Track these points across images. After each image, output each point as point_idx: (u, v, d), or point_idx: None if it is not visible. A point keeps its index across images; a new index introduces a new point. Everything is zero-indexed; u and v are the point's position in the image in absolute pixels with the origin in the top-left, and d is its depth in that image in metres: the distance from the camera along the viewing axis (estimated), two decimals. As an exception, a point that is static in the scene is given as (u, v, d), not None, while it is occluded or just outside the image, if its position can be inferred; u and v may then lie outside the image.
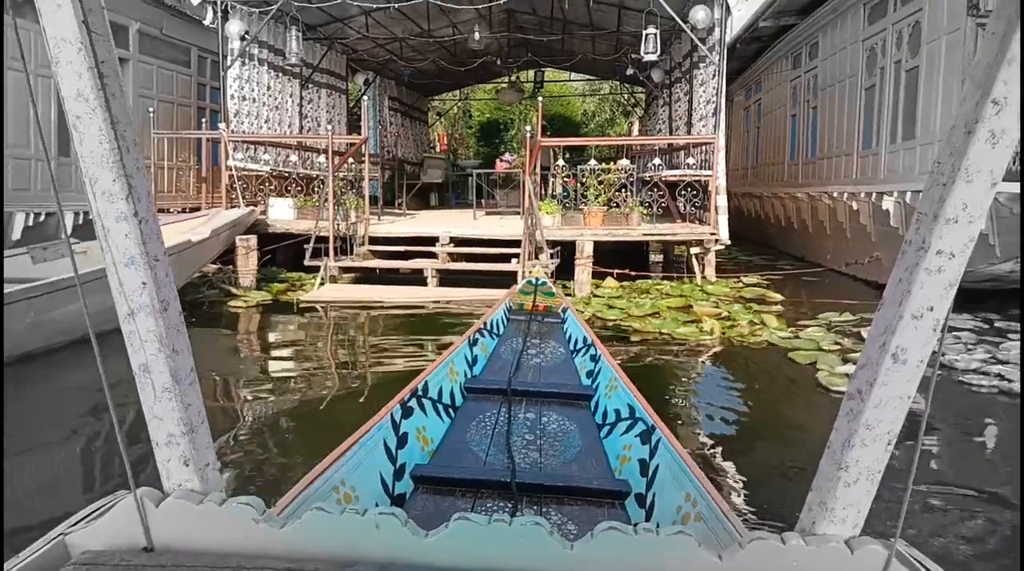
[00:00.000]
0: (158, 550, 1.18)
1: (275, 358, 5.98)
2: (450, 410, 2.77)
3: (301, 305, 7.78)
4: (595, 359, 3.23)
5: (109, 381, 1.21)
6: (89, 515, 1.22)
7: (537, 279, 4.07)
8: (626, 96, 21.15)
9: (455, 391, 2.85)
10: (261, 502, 1.20)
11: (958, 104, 1.04)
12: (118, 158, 1.10)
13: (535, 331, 3.62)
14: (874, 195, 8.97)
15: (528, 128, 9.80)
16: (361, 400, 4.65)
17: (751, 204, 15.53)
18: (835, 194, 10.32)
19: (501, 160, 16.31)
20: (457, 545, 1.15)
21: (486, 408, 2.80)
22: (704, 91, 10.16)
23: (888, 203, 8.59)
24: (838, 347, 5.48)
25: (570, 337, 3.60)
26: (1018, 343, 5.66)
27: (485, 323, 3.54)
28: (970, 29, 7.36)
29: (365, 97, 15.27)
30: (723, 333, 6.21)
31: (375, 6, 10.71)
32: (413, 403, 2.53)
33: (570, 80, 22.37)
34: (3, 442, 3.41)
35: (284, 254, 9.80)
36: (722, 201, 9.19)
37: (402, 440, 2.35)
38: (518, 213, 10.90)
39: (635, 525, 1.16)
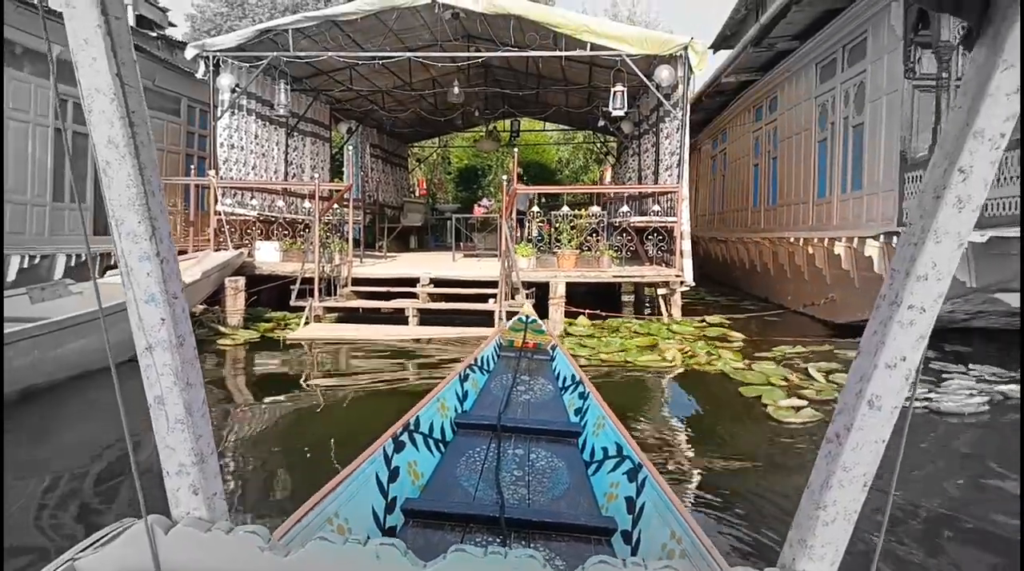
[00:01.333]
0: None
1: (263, 390, 6.32)
2: (440, 445, 2.81)
3: (288, 342, 8.14)
4: (583, 396, 3.29)
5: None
6: (98, 541, 1.24)
7: (527, 317, 4.19)
8: (598, 145, 21.94)
9: (445, 426, 2.90)
10: (267, 531, 1.24)
11: (928, 170, 1.13)
12: (144, 202, 1.16)
13: (524, 368, 3.68)
14: (826, 240, 9.61)
15: (505, 176, 10.36)
16: (341, 425, 5.02)
17: (718, 248, 16.19)
18: (792, 239, 10.97)
19: (479, 205, 16.91)
20: None
21: (476, 443, 2.84)
22: (669, 143, 10.83)
23: (840, 248, 9.22)
24: (785, 383, 5.97)
25: (559, 374, 3.67)
26: (954, 378, 6.20)
27: (476, 359, 3.59)
28: (907, 91, 8.08)
29: (348, 145, 15.86)
30: (683, 362, 6.73)
31: (360, 62, 11.30)
32: (404, 437, 2.58)
33: (545, 130, 23.13)
34: (3, 455, 3.62)
35: (269, 295, 10.17)
36: (686, 245, 9.74)
37: (394, 474, 2.40)
38: (495, 255, 11.38)
39: (623, 560, 1.20)
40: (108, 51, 1.09)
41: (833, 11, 9.38)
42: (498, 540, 2.09)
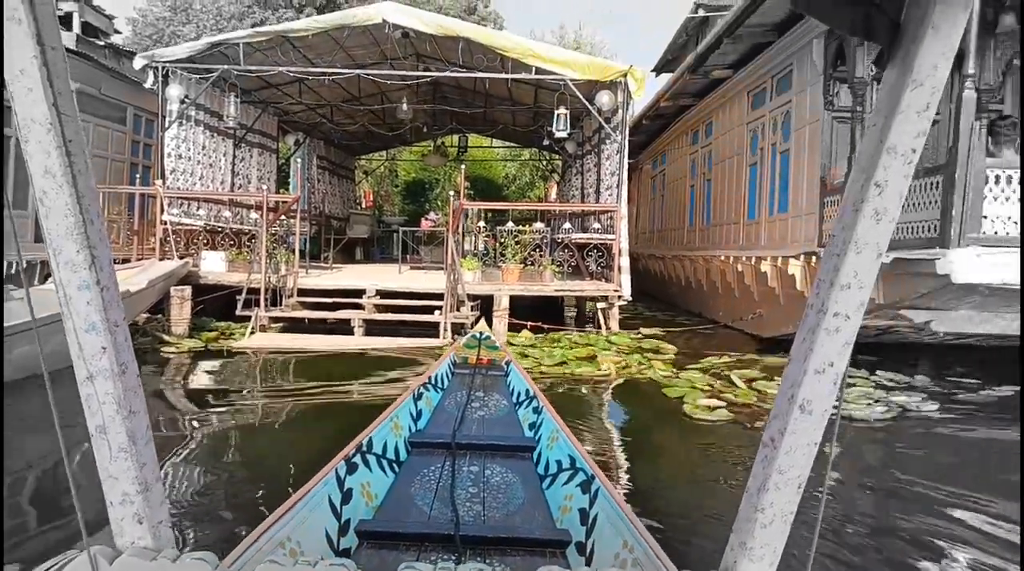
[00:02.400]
0: None
1: (207, 401, 6.42)
2: (395, 465, 2.79)
3: (232, 352, 8.24)
4: (537, 411, 3.31)
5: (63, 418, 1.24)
6: None
7: (481, 333, 4.20)
8: (544, 162, 22.45)
9: (399, 446, 2.89)
10: (215, 557, 1.23)
11: (847, 185, 1.17)
12: (83, 230, 1.15)
13: (479, 384, 3.68)
14: (754, 259, 10.18)
15: (452, 191, 10.67)
16: (286, 437, 5.21)
17: (657, 265, 16.76)
18: (723, 258, 11.55)
19: (426, 218, 17.15)
20: None
21: (431, 462, 2.83)
22: (610, 164, 11.30)
23: (766, 267, 9.80)
24: (709, 388, 6.42)
25: (513, 390, 3.67)
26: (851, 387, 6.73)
27: (430, 377, 3.59)
28: (827, 121, 8.70)
29: (296, 156, 15.95)
30: (617, 372, 7.15)
31: (310, 77, 11.48)
32: (357, 459, 2.56)
33: (492, 147, 23.52)
34: (3, 450, 3.71)
35: (215, 305, 10.20)
36: (624, 261, 10.18)
37: (347, 496, 2.38)
38: (441, 268, 11.65)
39: None
40: (44, 81, 1.08)
41: (764, 44, 10.00)
42: (453, 558, 2.06)
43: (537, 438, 3.07)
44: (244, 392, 6.46)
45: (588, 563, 2.18)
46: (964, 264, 6.02)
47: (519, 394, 3.61)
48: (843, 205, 1.17)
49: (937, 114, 6.72)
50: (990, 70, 6.93)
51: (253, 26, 27.25)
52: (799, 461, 1.20)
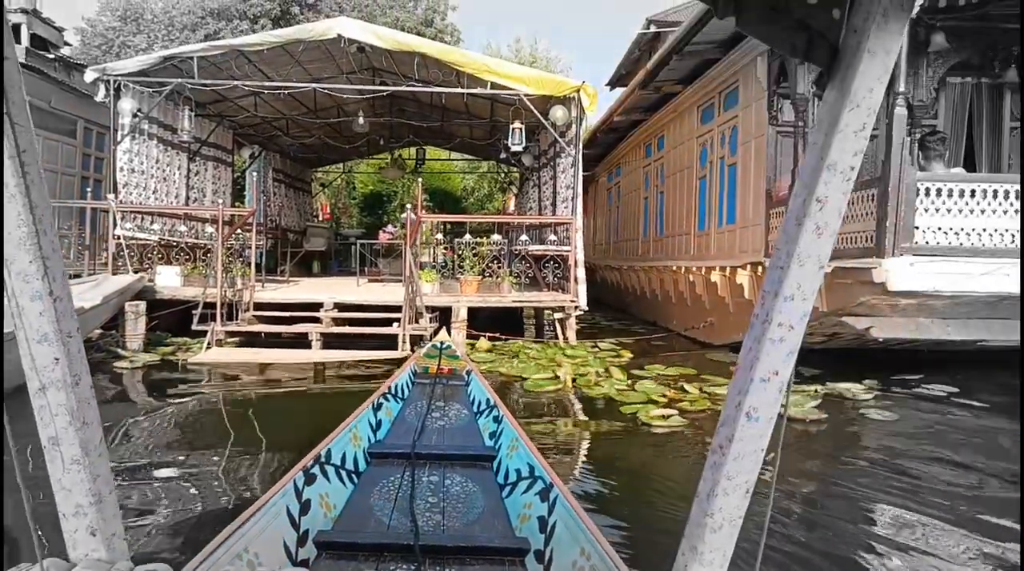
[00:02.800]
0: None
1: (160, 414, 6.39)
2: (353, 476, 2.78)
3: (187, 366, 8.19)
4: (498, 420, 3.32)
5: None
6: None
7: (442, 343, 4.17)
8: (502, 175, 22.66)
9: (359, 456, 2.88)
10: (169, 568, 1.23)
11: (791, 200, 1.21)
12: (35, 241, 1.15)
13: (440, 394, 3.69)
14: (704, 269, 10.48)
15: (409, 205, 10.76)
16: (241, 449, 5.24)
17: (613, 275, 17.05)
18: (674, 268, 11.85)
19: (384, 231, 17.19)
20: None
21: (390, 472, 2.83)
22: (565, 177, 11.51)
23: (716, 276, 10.09)
24: (664, 398, 6.62)
25: (474, 399, 3.68)
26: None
27: (390, 387, 3.58)
28: (771, 136, 9.04)
29: (251, 170, 15.86)
30: (573, 384, 7.32)
31: (265, 91, 11.48)
32: (316, 470, 2.56)
33: (450, 159, 23.66)
34: (3, 455, 3.65)
35: (170, 320, 10.10)
36: (581, 273, 10.38)
37: (305, 507, 2.38)
38: (400, 281, 11.70)
39: None
40: None
41: (711, 60, 10.34)
42: (412, 568, 2.07)
43: (497, 447, 3.09)
44: (199, 400, 6.44)
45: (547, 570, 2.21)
46: (898, 273, 6.34)
47: (480, 403, 3.62)
48: (786, 219, 1.21)
49: (875, 129, 7.05)
50: (923, 87, 7.33)
51: (207, 37, 26.99)
52: (746, 467, 1.23)
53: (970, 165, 8.38)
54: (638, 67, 16.94)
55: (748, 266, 8.85)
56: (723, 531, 1.25)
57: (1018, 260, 6.07)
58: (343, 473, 2.73)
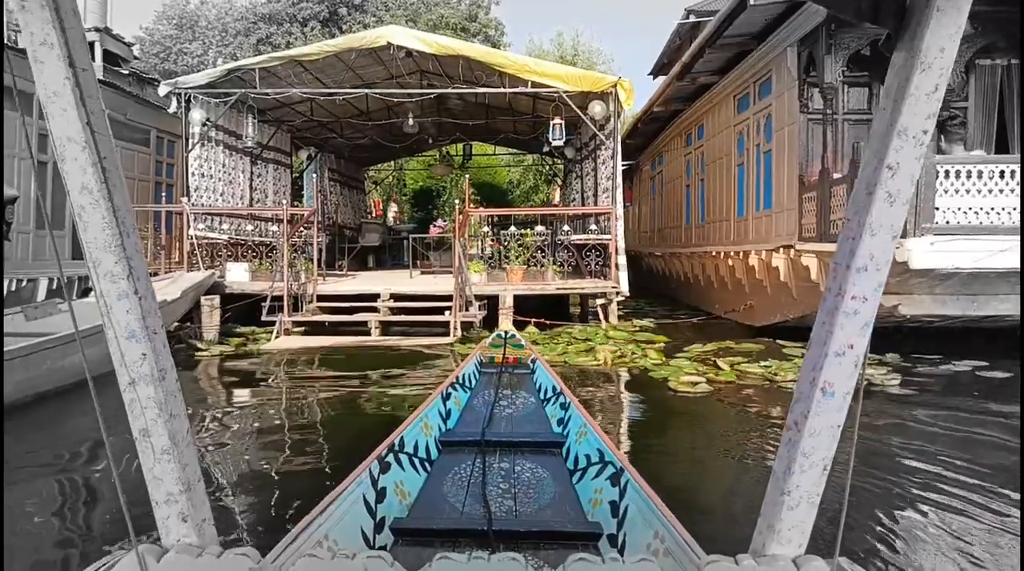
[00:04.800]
0: None
1: (242, 399, 7.12)
2: (426, 464, 2.85)
3: (260, 353, 8.97)
4: (565, 407, 3.35)
5: (108, 420, 1.29)
6: None
7: (507, 332, 4.27)
8: (547, 167, 23.12)
9: (430, 445, 2.95)
10: (256, 552, 1.26)
11: (860, 168, 1.18)
12: (119, 242, 1.19)
13: (506, 383, 3.75)
14: (742, 253, 10.84)
15: (458, 200, 11.39)
16: (319, 432, 5.92)
17: (657, 262, 17.42)
18: (714, 253, 12.22)
19: (435, 225, 17.86)
20: None
21: (461, 460, 2.89)
22: (605, 168, 11.98)
23: (754, 260, 10.45)
24: (695, 372, 7.12)
25: (540, 387, 3.74)
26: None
27: (457, 377, 3.65)
28: (803, 123, 9.37)
29: (309, 170, 16.74)
30: (612, 361, 7.86)
31: (322, 97, 12.24)
32: (390, 458, 2.62)
33: (496, 154, 24.23)
34: (3, 459, 3.91)
35: (239, 312, 10.95)
36: (621, 260, 10.84)
37: (381, 494, 2.43)
38: (450, 272, 12.32)
39: (602, 558, 1.27)
40: (77, 102, 1.12)
41: (745, 51, 10.66)
42: (487, 553, 2.01)
43: (565, 433, 3.14)
44: (275, 385, 7.18)
45: (620, 555, 2.18)
46: (920, 252, 6.68)
47: (546, 391, 3.67)
48: (856, 189, 1.18)
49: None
50: (952, 71, 7.59)
51: (259, 42, 28.14)
52: (823, 443, 1.21)
53: (1002, 146, 8.57)
54: (679, 56, 17.19)
55: (781, 249, 9.21)
56: (800, 509, 1.24)
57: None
58: (416, 461, 2.80)
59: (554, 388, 3.61)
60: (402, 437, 2.76)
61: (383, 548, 2.21)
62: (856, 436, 1.28)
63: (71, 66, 1.11)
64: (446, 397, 3.42)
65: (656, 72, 20.92)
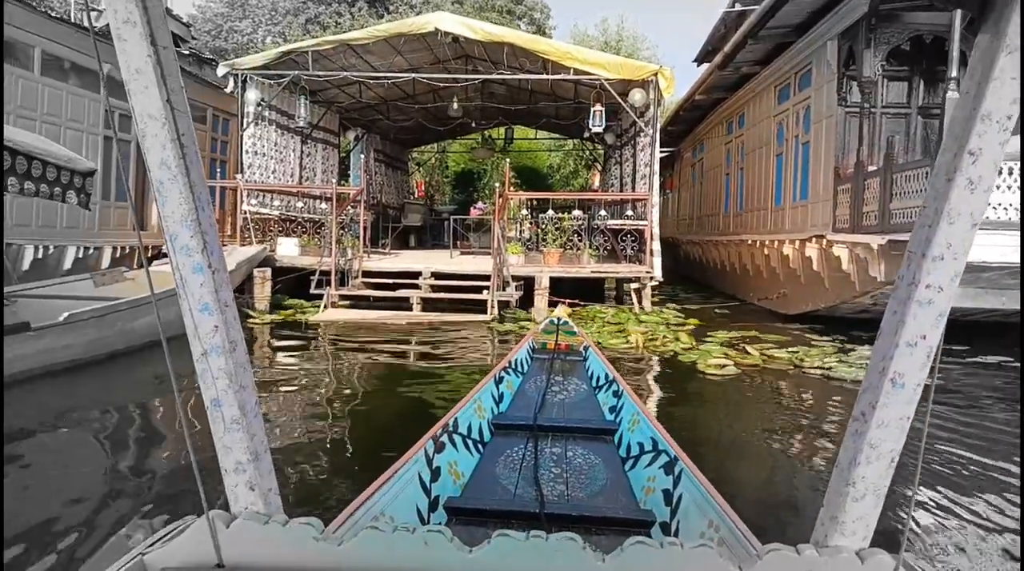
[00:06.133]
0: (229, 567, 1.26)
1: (295, 364, 7.62)
2: (479, 445, 2.89)
3: (309, 324, 9.49)
4: (617, 395, 3.36)
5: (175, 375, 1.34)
6: (165, 536, 1.30)
7: (559, 319, 4.25)
8: (587, 152, 23.31)
9: (483, 427, 2.99)
10: (320, 522, 1.29)
11: (939, 154, 1.14)
12: (195, 217, 1.21)
13: (558, 369, 3.79)
14: (777, 243, 11.01)
15: (498, 184, 11.75)
16: (366, 398, 6.36)
17: (695, 250, 17.56)
18: (750, 242, 12.38)
19: (475, 207, 18.27)
20: (498, 558, 1.24)
21: (513, 443, 2.92)
22: (644, 155, 12.20)
23: (788, 249, 10.63)
24: (723, 356, 7.40)
25: (592, 374, 3.75)
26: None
27: (510, 361, 3.69)
28: (840, 116, 9.49)
29: (356, 150, 17.25)
30: (643, 344, 8.17)
31: (371, 80, 12.66)
32: (444, 438, 2.66)
33: (536, 138, 24.48)
34: (3, 448, 4.00)
35: (288, 284, 11.49)
36: (656, 246, 11.08)
37: (435, 474, 2.47)
38: (488, 253, 12.70)
39: (660, 542, 1.26)
40: (158, 79, 1.14)
41: (786, 43, 10.77)
42: (539, 535, 2.23)
43: (618, 421, 3.14)
44: (325, 351, 7.66)
45: None
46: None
47: (598, 378, 3.69)
48: (934, 175, 1.15)
49: (938, 110, 7.47)
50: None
51: (307, 21, 28.70)
52: (891, 435, 1.19)
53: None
54: (724, 43, 17.22)
55: (814, 239, 9.38)
56: (866, 501, 1.22)
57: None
58: (469, 442, 2.83)
59: (607, 375, 3.63)
60: (456, 418, 2.81)
61: (437, 526, 2.41)
62: (926, 430, 1.34)
63: (152, 44, 1.13)
64: (499, 381, 3.47)
65: (701, 59, 20.88)
